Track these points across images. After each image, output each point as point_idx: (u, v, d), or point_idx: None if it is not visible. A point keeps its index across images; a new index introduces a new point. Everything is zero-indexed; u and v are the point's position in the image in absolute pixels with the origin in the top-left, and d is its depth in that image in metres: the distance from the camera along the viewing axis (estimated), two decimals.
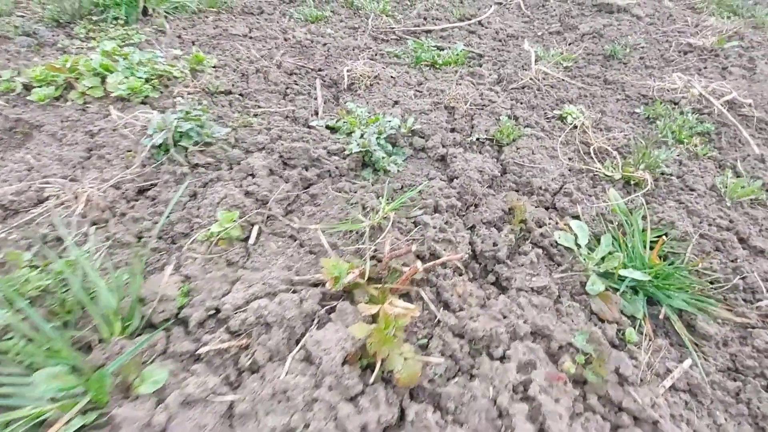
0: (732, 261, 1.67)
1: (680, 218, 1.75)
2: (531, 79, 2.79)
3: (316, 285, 1.32)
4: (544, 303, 1.41)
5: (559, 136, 2.24)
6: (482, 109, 2.37)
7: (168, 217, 1.50)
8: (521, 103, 2.52)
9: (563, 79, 2.83)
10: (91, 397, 1.00)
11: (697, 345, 1.38)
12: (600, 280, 1.48)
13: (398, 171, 1.85)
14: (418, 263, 1.26)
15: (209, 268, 1.34)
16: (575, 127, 2.34)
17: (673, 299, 1.51)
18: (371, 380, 1.08)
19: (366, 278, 1.26)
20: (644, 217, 1.81)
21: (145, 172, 1.67)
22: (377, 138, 1.90)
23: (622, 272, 1.52)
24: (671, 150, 2.18)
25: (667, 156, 2.04)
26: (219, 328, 1.19)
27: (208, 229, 1.40)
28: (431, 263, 1.37)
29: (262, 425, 0.98)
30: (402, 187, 1.78)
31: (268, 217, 1.56)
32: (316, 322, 1.22)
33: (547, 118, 2.42)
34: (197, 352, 1.13)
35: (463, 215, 1.74)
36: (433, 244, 1.51)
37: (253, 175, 1.66)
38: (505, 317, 1.32)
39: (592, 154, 2.11)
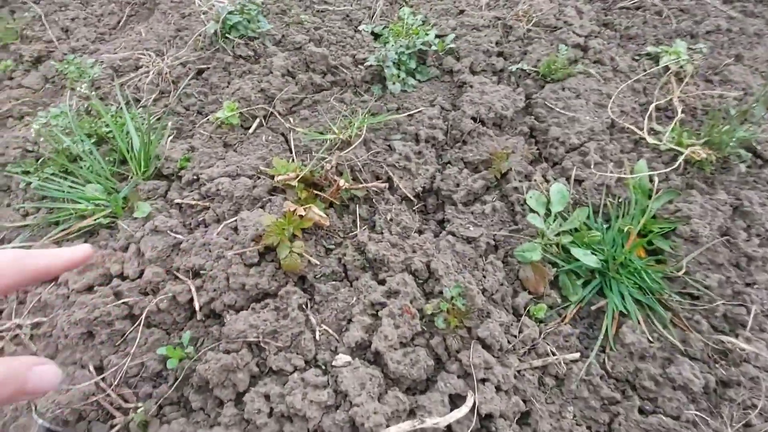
0: (747, 285, 1.33)
1: (704, 215, 1.40)
2: None
3: (273, 177, 1.59)
4: (465, 252, 1.43)
5: (630, 81, 1.81)
6: (548, 32, 2.01)
7: (191, 97, 1.90)
8: (611, 30, 2.03)
9: (708, 2, 2.10)
10: (111, 209, 1.55)
11: (605, 348, 1.27)
12: (539, 249, 1.39)
13: (402, 91, 1.84)
14: (341, 181, 1.41)
15: (209, 145, 1.72)
16: (666, 70, 1.83)
17: (626, 299, 1.34)
18: (268, 259, 1.39)
19: (300, 180, 1.48)
20: (671, 203, 1.49)
21: (205, 56, 2.05)
22: (400, 53, 1.88)
23: (575, 251, 1.39)
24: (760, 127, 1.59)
25: (750, 135, 1.51)
26: (196, 189, 1.60)
27: (216, 115, 1.75)
28: (358, 186, 1.50)
29: (190, 260, 1.40)
30: (398, 108, 1.80)
31: (270, 114, 1.82)
32: (259, 205, 1.53)
33: (636, 56, 1.93)
34: (176, 202, 1.57)
35: (447, 150, 1.71)
36: (390, 169, 1.59)
37: (271, 73, 1.90)
38: (414, 252, 1.41)
39: (652, 112, 1.69)
